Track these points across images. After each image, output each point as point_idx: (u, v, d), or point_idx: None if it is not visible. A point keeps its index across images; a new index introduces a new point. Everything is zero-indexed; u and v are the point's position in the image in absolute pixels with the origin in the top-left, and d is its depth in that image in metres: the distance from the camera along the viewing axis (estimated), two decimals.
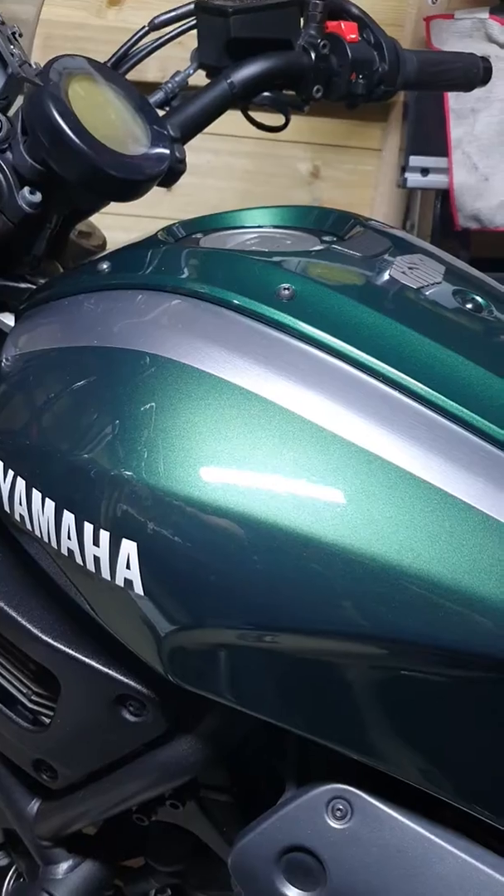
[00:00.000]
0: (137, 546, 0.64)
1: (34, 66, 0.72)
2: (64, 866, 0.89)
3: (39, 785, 0.85)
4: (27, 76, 0.71)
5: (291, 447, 0.62)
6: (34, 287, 0.84)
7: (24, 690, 0.81)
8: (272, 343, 0.66)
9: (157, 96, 0.89)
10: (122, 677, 0.73)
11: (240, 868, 0.72)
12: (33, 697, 0.81)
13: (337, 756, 0.67)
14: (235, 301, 0.69)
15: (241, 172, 2.14)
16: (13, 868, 1.05)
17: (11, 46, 0.72)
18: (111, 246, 0.90)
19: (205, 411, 0.64)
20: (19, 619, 0.77)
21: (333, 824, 0.68)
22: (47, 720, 0.80)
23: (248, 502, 0.61)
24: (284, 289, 0.68)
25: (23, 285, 0.85)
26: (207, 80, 0.90)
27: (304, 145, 2.13)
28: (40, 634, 0.76)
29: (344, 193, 2.17)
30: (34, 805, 0.89)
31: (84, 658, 0.74)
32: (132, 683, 0.73)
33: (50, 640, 0.75)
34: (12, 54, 0.71)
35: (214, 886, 0.94)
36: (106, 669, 0.74)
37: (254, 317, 0.68)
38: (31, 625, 0.76)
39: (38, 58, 0.82)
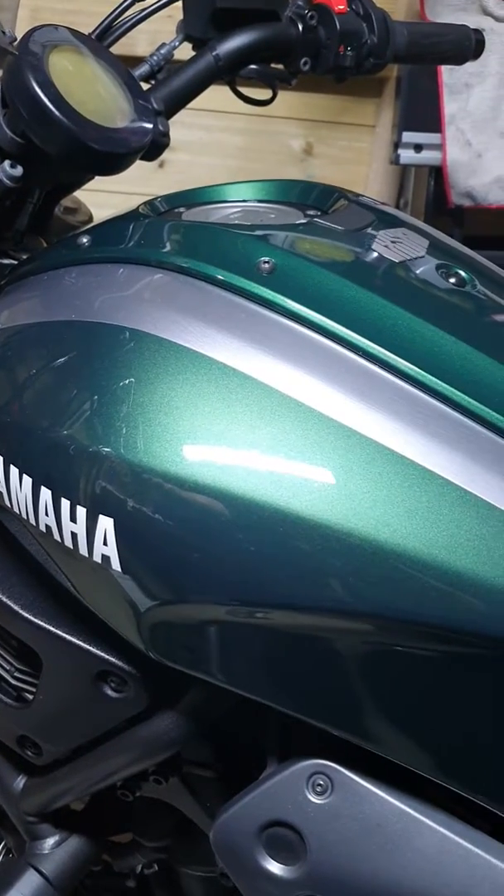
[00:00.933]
0: (114, 522, 0.63)
1: (7, 34, 0.71)
2: (50, 841, 0.90)
3: (24, 761, 0.85)
4: (1, 43, 0.70)
5: (269, 422, 0.62)
6: (17, 263, 0.84)
7: (7, 667, 0.81)
8: (251, 317, 0.66)
9: (143, 69, 0.88)
10: (103, 654, 0.73)
11: (221, 843, 0.72)
12: (16, 674, 0.81)
13: (317, 732, 0.67)
14: (215, 275, 0.68)
15: (233, 149, 2.13)
16: (2, 844, 1.05)
17: None
18: None
19: (183, 386, 0.64)
20: (0, 595, 0.77)
21: (314, 799, 0.68)
22: (30, 696, 0.80)
23: (224, 478, 0.61)
24: (264, 262, 0.68)
25: (6, 261, 0.85)
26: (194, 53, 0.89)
27: (297, 122, 2.11)
28: (21, 611, 0.76)
29: (338, 171, 2.16)
30: (20, 781, 0.89)
31: (65, 635, 0.74)
32: (113, 660, 0.73)
33: (31, 617, 0.75)
34: None
35: (201, 861, 0.95)
36: (87, 646, 0.74)
37: (233, 291, 0.67)
38: (11, 601, 0.76)
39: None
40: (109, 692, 0.74)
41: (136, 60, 0.86)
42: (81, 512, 0.65)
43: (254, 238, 0.71)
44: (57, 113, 0.71)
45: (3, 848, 1.06)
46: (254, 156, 2.14)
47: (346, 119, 2.14)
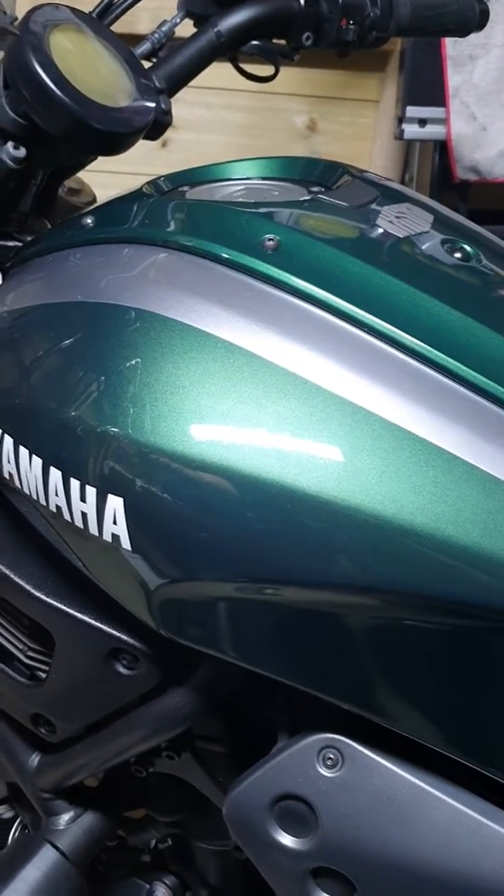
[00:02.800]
0: (123, 502, 0.64)
1: (8, 14, 0.71)
2: (66, 817, 0.91)
3: (39, 739, 0.86)
4: (1, 24, 0.69)
5: (275, 400, 0.62)
6: (21, 245, 0.84)
7: (20, 646, 0.82)
8: (256, 295, 0.66)
9: (144, 47, 0.88)
10: (114, 631, 0.74)
11: (234, 816, 0.73)
12: (29, 653, 0.82)
13: (327, 706, 0.68)
14: (220, 253, 0.68)
15: (236, 127, 2.12)
16: (18, 820, 1.07)
17: None
18: None
19: (189, 365, 0.64)
20: (12, 576, 0.77)
21: (325, 773, 0.69)
22: (43, 675, 0.81)
23: (231, 456, 0.61)
24: (269, 240, 0.68)
25: (10, 243, 0.85)
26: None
27: (300, 98, 2.10)
28: (33, 591, 0.76)
29: (342, 146, 2.15)
30: (34, 758, 0.90)
31: (76, 613, 0.75)
32: (124, 637, 0.74)
33: (43, 597, 0.76)
34: None
35: (215, 835, 0.96)
36: (98, 624, 0.74)
37: (238, 269, 0.67)
38: (23, 581, 0.77)
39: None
40: (121, 669, 0.75)
41: (139, 38, 0.86)
42: (91, 492, 0.65)
43: (258, 215, 0.71)
44: (59, 93, 0.71)
45: (19, 824, 1.07)
46: (257, 133, 2.13)
47: (349, 94, 2.12)
